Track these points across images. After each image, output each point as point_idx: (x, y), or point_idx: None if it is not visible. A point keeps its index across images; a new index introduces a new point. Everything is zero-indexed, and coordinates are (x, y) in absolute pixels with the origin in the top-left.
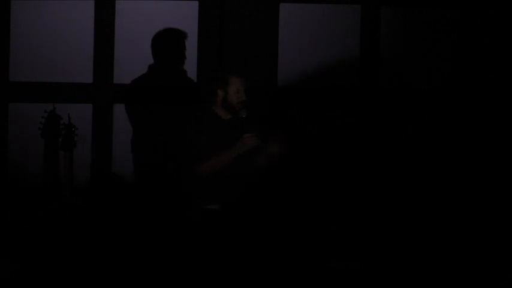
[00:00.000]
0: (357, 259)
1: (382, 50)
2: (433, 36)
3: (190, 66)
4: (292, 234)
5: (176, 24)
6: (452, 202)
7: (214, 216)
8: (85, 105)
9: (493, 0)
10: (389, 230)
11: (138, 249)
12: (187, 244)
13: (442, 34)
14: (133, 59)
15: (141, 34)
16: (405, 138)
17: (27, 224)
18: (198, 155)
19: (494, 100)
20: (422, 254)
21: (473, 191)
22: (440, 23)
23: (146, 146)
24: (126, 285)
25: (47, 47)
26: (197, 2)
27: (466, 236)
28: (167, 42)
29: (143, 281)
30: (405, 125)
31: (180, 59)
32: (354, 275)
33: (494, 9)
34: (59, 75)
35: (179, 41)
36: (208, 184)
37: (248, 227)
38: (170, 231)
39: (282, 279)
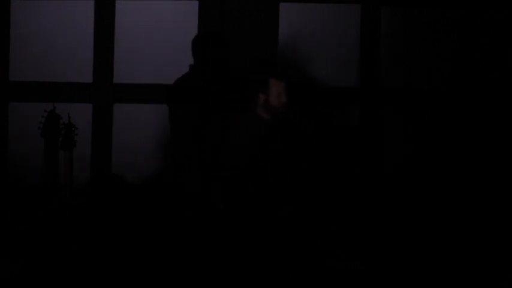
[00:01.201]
0: (357, 259)
1: (382, 50)
2: (433, 36)
3: None
4: (292, 234)
5: (176, 24)
6: (452, 202)
7: (215, 216)
8: (85, 104)
9: (493, 0)
10: (389, 230)
11: (138, 249)
12: (187, 244)
13: (442, 34)
14: (133, 58)
15: (141, 34)
16: (405, 137)
17: (27, 224)
18: (238, 155)
19: (494, 100)
20: (422, 254)
21: (473, 190)
22: (440, 23)
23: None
24: (126, 285)
25: (47, 47)
26: (197, 2)
27: (466, 236)
28: (201, 46)
29: (143, 280)
30: (405, 124)
31: (215, 62)
32: (354, 275)
33: (494, 9)
34: (58, 75)
35: (213, 45)
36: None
37: (248, 227)
38: (170, 231)
39: (282, 279)
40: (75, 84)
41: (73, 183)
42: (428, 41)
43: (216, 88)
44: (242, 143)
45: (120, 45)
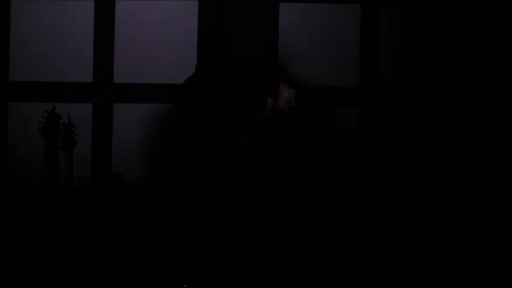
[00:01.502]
0: (357, 259)
1: (382, 50)
2: (433, 36)
3: (191, 66)
4: (292, 234)
5: (176, 24)
6: (452, 202)
7: (215, 216)
8: (85, 104)
9: (493, 0)
10: (389, 230)
11: (138, 249)
12: (187, 244)
13: (442, 34)
14: (133, 58)
15: (141, 34)
16: (405, 137)
17: (27, 224)
18: (238, 154)
19: (494, 100)
20: (422, 254)
21: (473, 190)
22: (440, 23)
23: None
24: (125, 285)
25: (47, 47)
26: (197, 2)
27: (466, 236)
28: (202, 46)
29: (143, 280)
30: (405, 124)
31: (216, 62)
32: (354, 275)
33: (494, 9)
34: (59, 74)
35: (213, 45)
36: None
37: (248, 227)
38: (170, 231)
39: (282, 279)
40: (75, 84)
41: (73, 183)
42: (429, 41)
43: (217, 88)
44: (243, 143)
45: (120, 45)
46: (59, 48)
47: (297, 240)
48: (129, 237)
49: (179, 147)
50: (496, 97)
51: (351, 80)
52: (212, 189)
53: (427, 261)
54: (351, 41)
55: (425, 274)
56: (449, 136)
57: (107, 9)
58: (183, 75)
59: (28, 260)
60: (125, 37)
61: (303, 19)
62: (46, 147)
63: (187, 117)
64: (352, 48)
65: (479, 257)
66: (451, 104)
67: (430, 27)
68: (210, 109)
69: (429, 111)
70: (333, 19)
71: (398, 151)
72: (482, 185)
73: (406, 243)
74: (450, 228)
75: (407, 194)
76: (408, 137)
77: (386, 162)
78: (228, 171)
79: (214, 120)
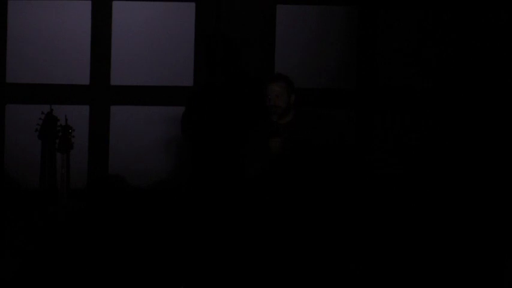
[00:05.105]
0: (357, 259)
1: (380, 51)
2: (432, 36)
3: (188, 67)
4: (292, 235)
5: (173, 25)
6: (452, 202)
7: (215, 216)
8: (82, 106)
9: (493, 0)
10: (388, 231)
11: (136, 250)
12: (187, 244)
13: (441, 34)
14: (130, 60)
15: (138, 35)
16: (404, 138)
17: (25, 226)
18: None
19: (493, 100)
20: (422, 254)
21: (473, 190)
22: (440, 23)
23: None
24: (124, 286)
25: (43, 48)
26: (194, 4)
27: (466, 236)
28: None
29: (141, 281)
30: (404, 125)
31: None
32: (353, 275)
33: (493, 9)
34: (55, 76)
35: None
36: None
37: (248, 227)
38: (170, 231)
39: (281, 280)
40: (72, 86)
41: (70, 185)
42: (428, 41)
43: (219, 89)
44: (246, 144)
45: (117, 47)
46: (56, 50)
47: (297, 240)
48: (127, 238)
49: (178, 148)
50: (495, 97)
51: (349, 81)
52: (212, 189)
53: (427, 261)
54: (350, 42)
55: (425, 274)
56: (447, 136)
57: (104, 10)
58: (180, 77)
59: (26, 261)
60: (122, 39)
61: (300, 20)
62: (43, 149)
63: (189, 119)
64: (350, 49)
65: (479, 257)
66: (450, 104)
67: (429, 27)
68: (215, 111)
69: (428, 112)
70: (330, 20)
71: (397, 151)
72: (481, 185)
73: (406, 243)
74: (450, 228)
75: (407, 193)
76: (407, 138)
77: (384, 163)
78: (231, 171)
79: (220, 123)
